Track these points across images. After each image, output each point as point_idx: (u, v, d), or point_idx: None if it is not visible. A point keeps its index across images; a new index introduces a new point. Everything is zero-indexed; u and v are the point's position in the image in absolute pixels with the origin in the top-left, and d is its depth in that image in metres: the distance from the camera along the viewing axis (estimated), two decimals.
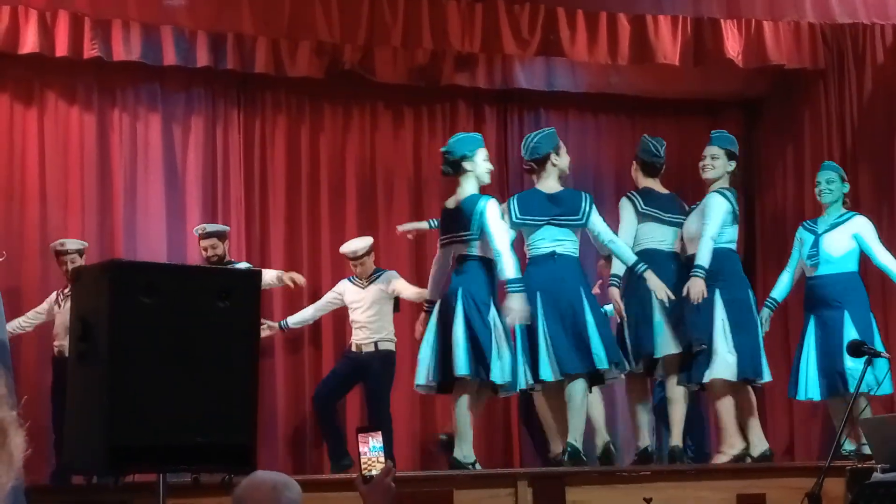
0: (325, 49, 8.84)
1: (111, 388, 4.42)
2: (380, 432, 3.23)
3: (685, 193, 10.12)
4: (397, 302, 8.50)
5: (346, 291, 8.55)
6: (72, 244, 8.04)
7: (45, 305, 8.14)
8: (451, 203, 7.13)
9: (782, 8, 8.16)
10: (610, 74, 9.55)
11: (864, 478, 5.99)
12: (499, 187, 9.72)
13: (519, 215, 7.26)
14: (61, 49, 8.18)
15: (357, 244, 8.54)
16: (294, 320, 8.62)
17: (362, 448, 3.18)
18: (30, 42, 8.09)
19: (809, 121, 9.42)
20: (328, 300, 8.63)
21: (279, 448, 8.77)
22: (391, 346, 8.39)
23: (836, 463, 6.51)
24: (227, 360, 4.66)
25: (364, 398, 8.51)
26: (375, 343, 8.27)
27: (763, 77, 9.58)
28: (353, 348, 8.38)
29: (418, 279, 9.34)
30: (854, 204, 8.79)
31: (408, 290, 8.39)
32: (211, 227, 8.32)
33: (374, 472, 3.16)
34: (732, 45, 8.64)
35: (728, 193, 7.65)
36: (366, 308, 8.36)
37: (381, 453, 3.18)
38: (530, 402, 8.63)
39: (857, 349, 6.59)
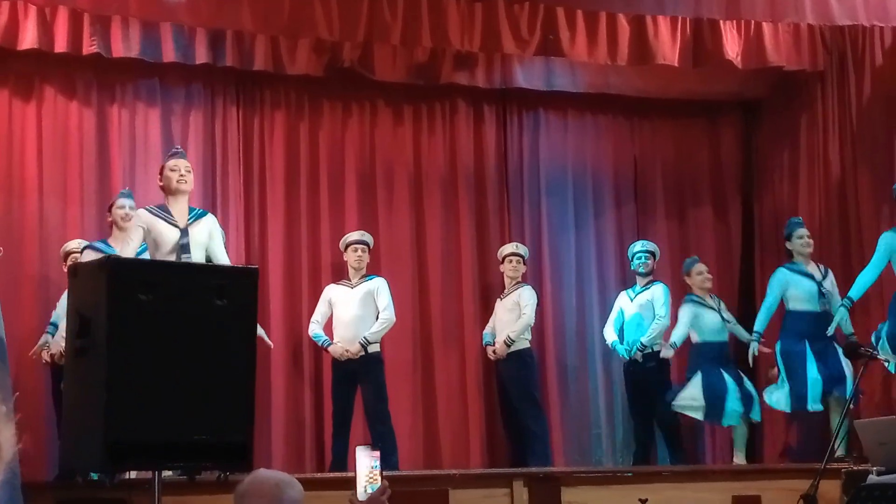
0: (325, 47, 8.84)
1: (108, 385, 4.41)
2: (378, 451, 3.26)
3: (683, 194, 10.18)
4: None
5: (332, 293, 8.53)
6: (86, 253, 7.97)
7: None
8: None
9: (782, 9, 8.15)
10: (609, 75, 9.55)
11: (860, 480, 6.00)
12: (497, 187, 9.73)
13: None
14: (60, 45, 8.18)
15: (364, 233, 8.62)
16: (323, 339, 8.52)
17: (360, 464, 3.21)
18: (29, 38, 8.09)
19: (808, 122, 9.42)
20: (323, 312, 8.56)
21: (277, 446, 8.76)
22: (377, 348, 8.39)
23: (831, 465, 6.54)
24: (224, 358, 4.66)
25: (364, 404, 8.46)
26: (364, 348, 8.25)
27: (762, 78, 9.58)
28: (338, 354, 8.33)
29: (419, 281, 9.36)
30: (854, 206, 8.82)
31: (381, 307, 8.37)
32: None
33: (369, 490, 3.19)
34: (732, 46, 8.64)
35: None
36: (352, 307, 8.35)
37: (378, 471, 3.21)
38: (511, 408, 8.69)
39: (853, 351, 6.60)
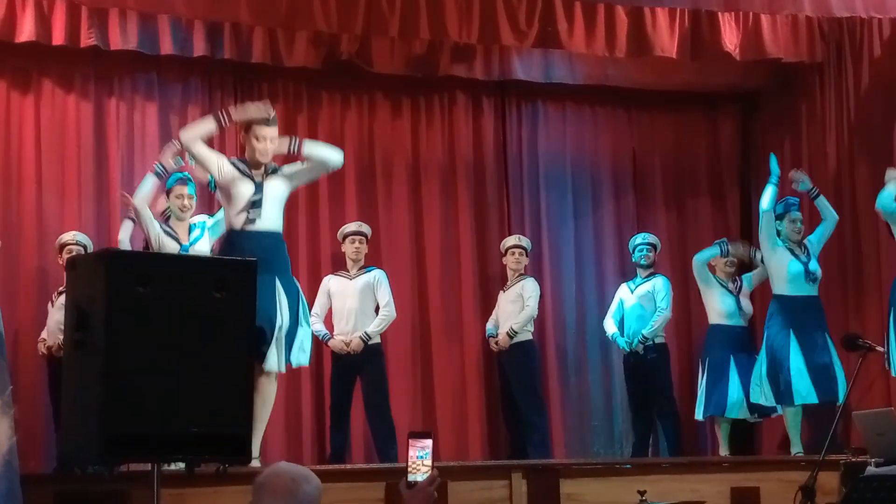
0: (323, 39, 8.83)
1: (106, 378, 4.42)
2: (430, 439, 3.24)
3: (682, 185, 10.19)
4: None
5: (331, 284, 8.52)
6: (81, 238, 7.95)
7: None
8: None
9: (780, 1, 8.15)
10: (607, 66, 9.54)
11: (859, 471, 6.00)
12: (496, 179, 9.73)
13: None
14: (58, 37, 8.16)
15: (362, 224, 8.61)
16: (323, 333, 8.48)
17: (411, 452, 3.20)
18: (27, 30, 8.07)
19: (807, 114, 9.42)
20: (322, 304, 8.55)
21: (276, 438, 8.75)
22: (378, 340, 8.39)
23: (830, 457, 6.54)
24: (222, 351, 4.67)
25: (363, 396, 8.46)
26: (364, 341, 8.24)
27: (760, 70, 9.57)
28: (338, 349, 8.32)
29: (418, 273, 9.36)
30: (851, 197, 8.81)
31: (381, 303, 8.38)
32: None
33: (418, 478, 3.18)
34: (730, 37, 8.63)
35: None
36: (351, 298, 8.34)
37: (429, 459, 3.19)
38: (512, 400, 8.69)
39: (851, 342, 6.59)
